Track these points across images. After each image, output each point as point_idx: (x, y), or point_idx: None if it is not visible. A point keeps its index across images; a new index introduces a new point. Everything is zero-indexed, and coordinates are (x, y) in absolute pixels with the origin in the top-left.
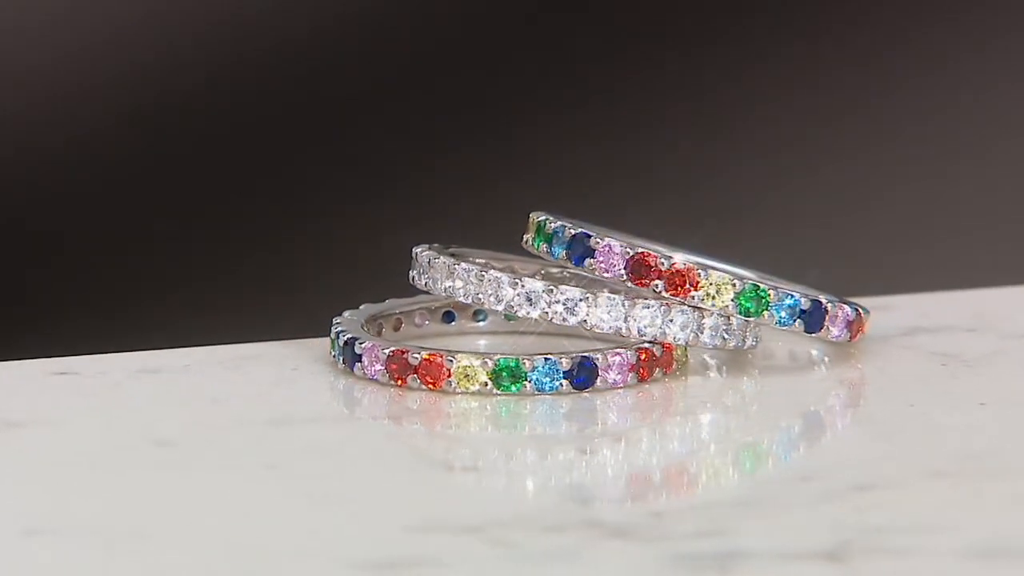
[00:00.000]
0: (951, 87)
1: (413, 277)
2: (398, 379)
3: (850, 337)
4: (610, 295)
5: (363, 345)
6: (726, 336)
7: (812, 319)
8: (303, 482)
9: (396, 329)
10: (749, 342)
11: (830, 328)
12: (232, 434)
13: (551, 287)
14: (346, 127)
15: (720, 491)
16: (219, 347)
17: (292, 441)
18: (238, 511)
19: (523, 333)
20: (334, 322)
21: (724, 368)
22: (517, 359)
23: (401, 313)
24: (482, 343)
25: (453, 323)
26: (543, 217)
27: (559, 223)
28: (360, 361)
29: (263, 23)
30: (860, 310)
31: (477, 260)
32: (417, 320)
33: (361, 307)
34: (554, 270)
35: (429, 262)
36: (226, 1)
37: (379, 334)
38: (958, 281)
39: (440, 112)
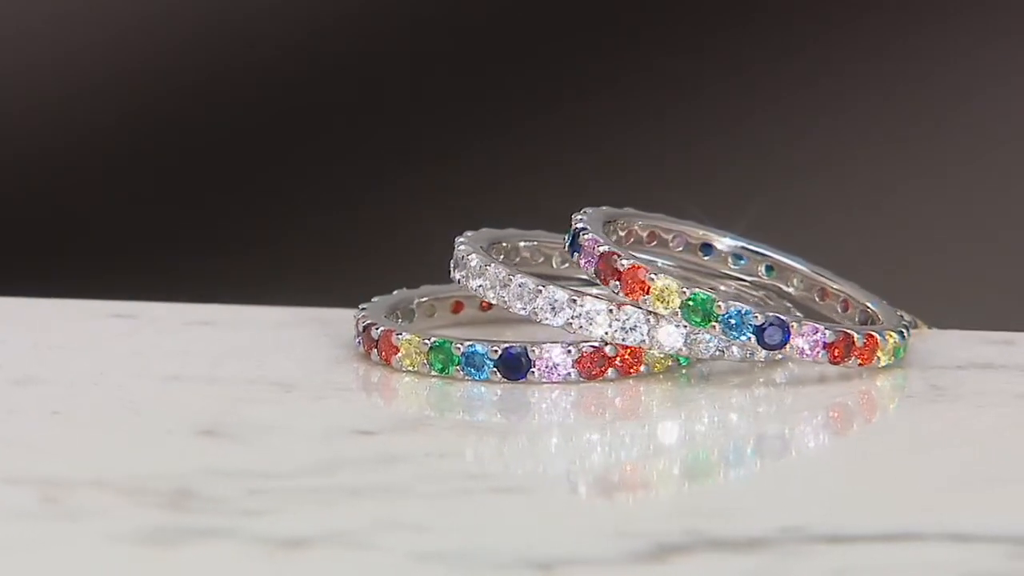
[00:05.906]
0: None
1: (459, 280)
2: (367, 352)
3: (831, 360)
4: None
5: (356, 316)
6: (694, 345)
7: (769, 335)
8: (32, 429)
9: (484, 309)
10: (733, 353)
11: (796, 344)
12: (113, 385)
13: (612, 307)
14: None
15: (393, 476)
16: (284, 308)
17: (131, 395)
18: None
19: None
20: (394, 294)
21: (711, 378)
22: (451, 342)
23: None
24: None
25: None
26: (578, 211)
27: (576, 217)
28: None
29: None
30: (853, 335)
31: (519, 243)
32: None
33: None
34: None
35: (480, 268)
36: None
37: (454, 311)
38: None
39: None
